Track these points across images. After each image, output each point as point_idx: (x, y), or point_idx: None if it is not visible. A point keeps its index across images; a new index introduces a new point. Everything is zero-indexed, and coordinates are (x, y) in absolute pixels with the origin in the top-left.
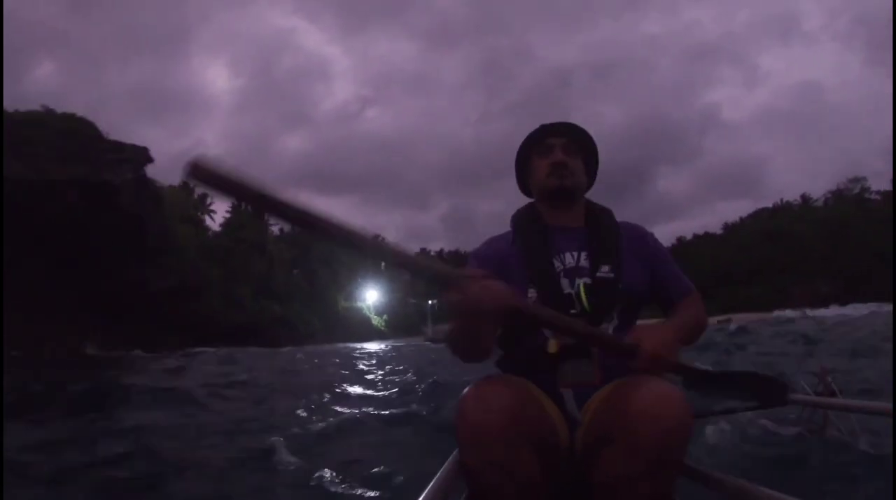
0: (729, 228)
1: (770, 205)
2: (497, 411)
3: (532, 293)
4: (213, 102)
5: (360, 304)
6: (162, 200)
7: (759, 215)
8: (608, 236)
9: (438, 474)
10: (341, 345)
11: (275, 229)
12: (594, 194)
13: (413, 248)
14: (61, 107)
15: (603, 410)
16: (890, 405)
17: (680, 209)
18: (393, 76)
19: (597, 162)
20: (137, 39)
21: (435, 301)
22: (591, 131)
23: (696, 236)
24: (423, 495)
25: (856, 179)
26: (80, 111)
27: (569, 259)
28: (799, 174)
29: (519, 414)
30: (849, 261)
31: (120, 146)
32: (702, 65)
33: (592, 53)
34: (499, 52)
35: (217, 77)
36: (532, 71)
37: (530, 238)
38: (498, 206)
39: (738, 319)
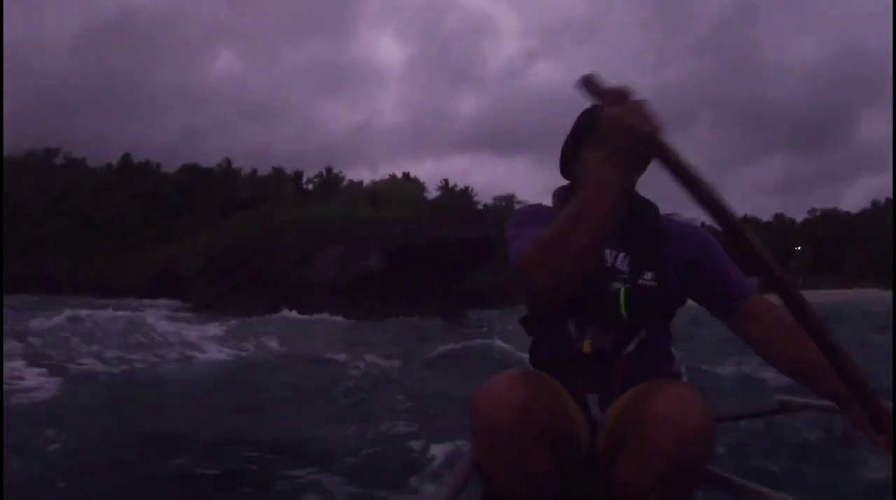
0: None
1: None
2: (511, 410)
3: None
4: (384, 73)
5: None
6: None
7: None
8: (651, 238)
9: (452, 470)
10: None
11: None
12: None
13: None
14: (246, 93)
15: (624, 414)
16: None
17: (886, 157)
18: (561, 26)
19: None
20: (304, 21)
21: None
22: (784, 69)
23: (888, 200)
24: (441, 488)
25: None
26: None
27: (608, 257)
28: None
29: (533, 411)
30: None
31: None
32: None
33: None
34: None
35: (385, 48)
36: (712, 4)
37: None
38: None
39: None
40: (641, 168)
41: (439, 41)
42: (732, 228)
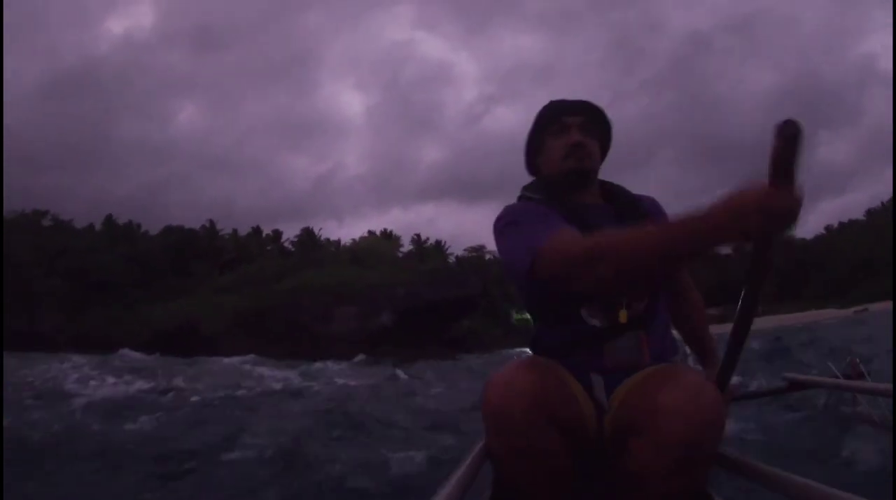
0: (871, 214)
1: None
2: (521, 396)
3: None
4: (346, 124)
5: (528, 315)
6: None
7: None
8: (636, 212)
9: (466, 459)
10: (517, 349)
11: None
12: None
13: None
14: (209, 146)
15: (632, 399)
16: (890, 385)
17: (846, 180)
18: (517, 69)
19: (609, 142)
20: (266, 73)
21: None
22: (740, 100)
23: (841, 224)
24: (453, 477)
25: None
26: None
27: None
28: None
29: (544, 398)
30: None
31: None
32: (850, 12)
33: (729, 11)
34: (626, 27)
35: (347, 99)
36: (665, 42)
37: (570, 206)
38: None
39: (877, 308)
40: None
41: (399, 91)
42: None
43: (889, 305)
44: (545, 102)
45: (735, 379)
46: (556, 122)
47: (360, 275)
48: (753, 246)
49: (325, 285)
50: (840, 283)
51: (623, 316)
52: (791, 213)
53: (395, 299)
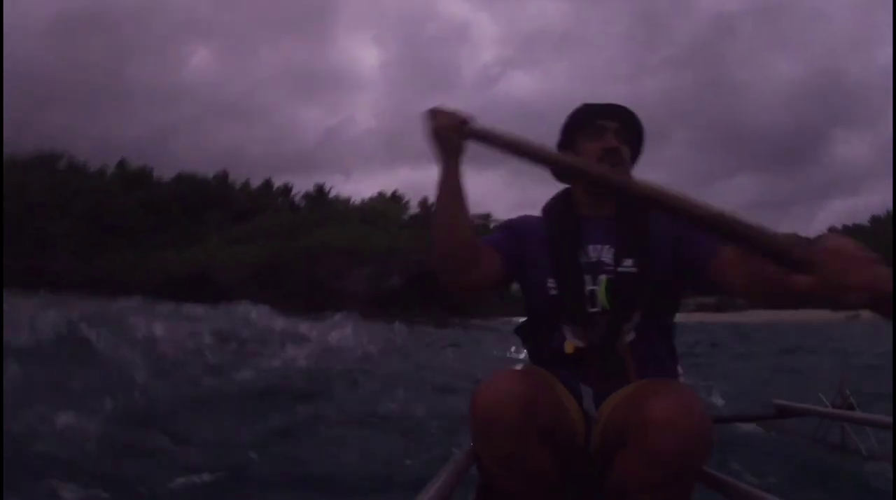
0: (875, 221)
1: None
2: (508, 404)
3: (552, 284)
4: (360, 78)
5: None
6: None
7: None
8: (637, 226)
9: (450, 462)
10: (514, 318)
11: None
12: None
13: None
14: (220, 92)
15: (620, 412)
16: (890, 419)
17: (857, 182)
18: (538, 35)
19: (641, 149)
20: (283, 22)
21: None
22: (760, 88)
23: (844, 227)
24: (436, 481)
25: None
26: None
27: (592, 252)
28: None
29: (532, 407)
30: None
31: None
32: (880, 11)
33: None
34: (653, 1)
35: (363, 53)
36: (691, 21)
37: (560, 228)
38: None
39: (869, 316)
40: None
41: (417, 48)
42: (568, 167)
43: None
44: (564, 69)
45: (720, 402)
46: (592, 124)
47: (372, 237)
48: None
49: (340, 245)
50: None
51: (569, 347)
52: (444, 124)
53: (405, 264)
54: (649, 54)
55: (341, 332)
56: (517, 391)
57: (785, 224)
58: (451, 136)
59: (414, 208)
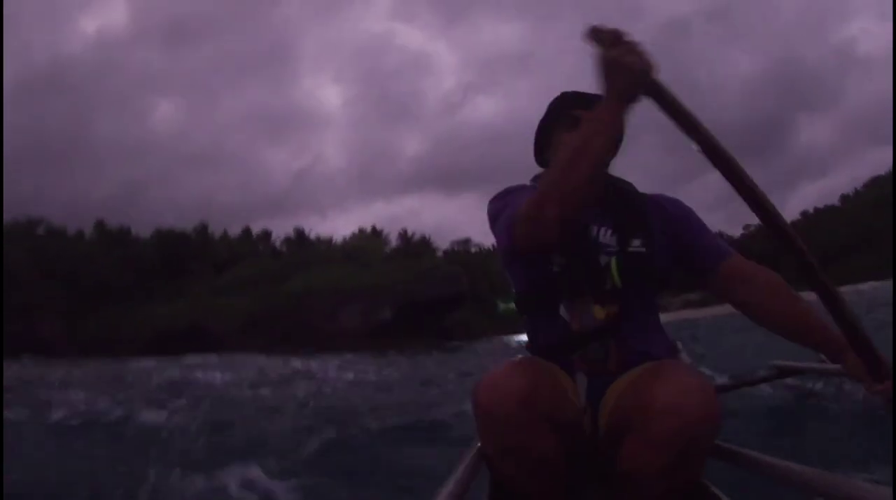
0: (846, 199)
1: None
2: (510, 396)
3: (557, 261)
4: (327, 117)
5: (513, 305)
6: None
7: (873, 184)
8: (636, 209)
9: (462, 462)
10: (505, 337)
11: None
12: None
13: None
14: (186, 143)
15: (625, 399)
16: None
17: (828, 163)
18: (497, 60)
19: (622, 136)
20: (243, 67)
21: None
22: (721, 85)
23: (816, 210)
24: (451, 478)
25: None
26: None
27: (592, 233)
28: None
29: (534, 398)
30: None
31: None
32: None
33: None
34: (605, 13)
35: (326, 91)
36: (644, 26)
37: None
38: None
39: (844, 291)
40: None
41: (377, 82)
42: (725, 162)
43: (857, 287)
44: (525, 89)
45: (721, 377)
46: (566, 115)
47: (359, 274)
48: (660, 109)
49: (329, 286)
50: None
51: (600, 312)
52: (620, 60)
53: (394, 297)
54: None
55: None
56: (517, 383)
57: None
58: (634, 79)
59: (394, 242)
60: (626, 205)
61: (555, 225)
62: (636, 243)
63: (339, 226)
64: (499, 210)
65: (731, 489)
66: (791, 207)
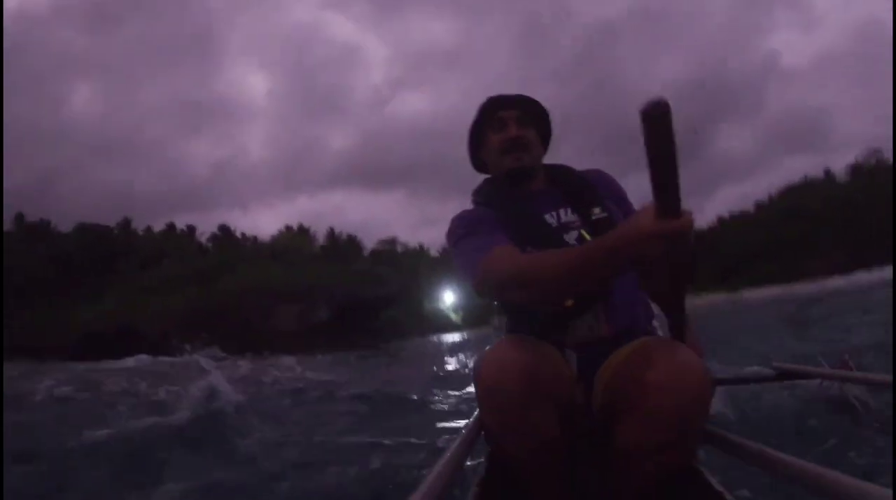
0: (760, 207)
1: (797, 180)
2: (512, 372)
3: (531, 250)
4: (250, 108)
5: (439, 304)
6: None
7: (786, 193)
8: (584, 185)
9: (461, 433)
10: (433, 337)
11: None
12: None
13: None
14: (104, 131)
15: (621, 375)
16: (890, 377)
17: (745, 170)
18: (426, 56)
19: (549, 130)
20: (165, 52)
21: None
22: (647, 90)
23: (731, 216)
24: (448, 452)
25: (873, 150)
26: None
27: (550, 220)
28: (869, 120)
29: (535, 374)
30: (859, 232)
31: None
32: (755, 9)
33: (636, 3)
34: (536, 13)
35: (250, 81)
36: (573, 30)
37: (511, 203)
38: None
39: (751, 295)
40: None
41: (305, 73)
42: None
43: (763, 291)
44: (453, 87)
45: (717, 367)
46: (494, 117)
47: (291, 274)
48: (666, 266)
49: (263, 286)
50: (725, 271)
51: (569, 301)
52: (682, 236)
53: (330, 298)
54: (536, 66)
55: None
56: (521, 359)
57: None
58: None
59: (321, 240)
60: (574, 184)
61: (531, 301)
62: (597, 211)
63: (262, 221)
64: (460, 246)
65: (724, 477)
66: (710, 210)
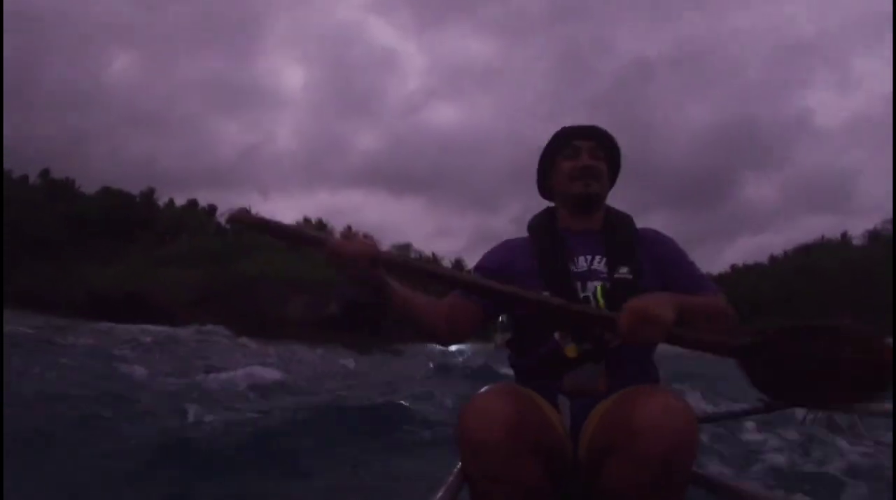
0: (774, 260)
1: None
2: (496, 424)
3: (547, 295)
4: (283, 97)
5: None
6: None
7: (802, 250)
8: (625, 239)
9: (444, 485)
10: (434, 346)
11: None
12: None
13: (481, 250)
14: (139, 100)
15: (607, 421)
16: (889, 405)
17: (764, 222)
18: (463, 70)
19: (619, 167)
20: (210, 32)
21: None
22: (675, 129)
23: (745, 265)
24: None
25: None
26: None
27: (582, 263)
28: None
29: (519, 425)
30: (871, 297)
31: None
32: (794, 65)
33: (677, 46)
34: (577, 42)
35: (287, 72)
36: (611, 63)
37: (545, 241)
38: None
39: None
40: None
41: (342, 72)
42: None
43: None
44: (485, 104)
45: (708, 406)
46: (569, 145)
47: (305, 265)
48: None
49: (279, 274)
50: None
51: (571, 351)
52: (327, 255)
53: (340, 294)
54: (569, 93)
55: None
56: (504, 410)
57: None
58: (362, 268)
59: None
60: (621, 235)
61: (430, 339)
62: (623, 271)
63: (280, 209)
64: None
65: None
66: (726, 257)
